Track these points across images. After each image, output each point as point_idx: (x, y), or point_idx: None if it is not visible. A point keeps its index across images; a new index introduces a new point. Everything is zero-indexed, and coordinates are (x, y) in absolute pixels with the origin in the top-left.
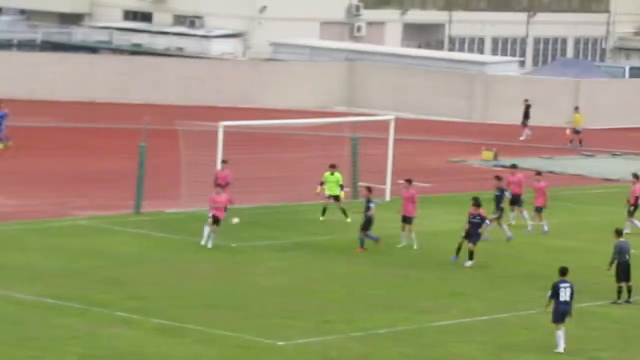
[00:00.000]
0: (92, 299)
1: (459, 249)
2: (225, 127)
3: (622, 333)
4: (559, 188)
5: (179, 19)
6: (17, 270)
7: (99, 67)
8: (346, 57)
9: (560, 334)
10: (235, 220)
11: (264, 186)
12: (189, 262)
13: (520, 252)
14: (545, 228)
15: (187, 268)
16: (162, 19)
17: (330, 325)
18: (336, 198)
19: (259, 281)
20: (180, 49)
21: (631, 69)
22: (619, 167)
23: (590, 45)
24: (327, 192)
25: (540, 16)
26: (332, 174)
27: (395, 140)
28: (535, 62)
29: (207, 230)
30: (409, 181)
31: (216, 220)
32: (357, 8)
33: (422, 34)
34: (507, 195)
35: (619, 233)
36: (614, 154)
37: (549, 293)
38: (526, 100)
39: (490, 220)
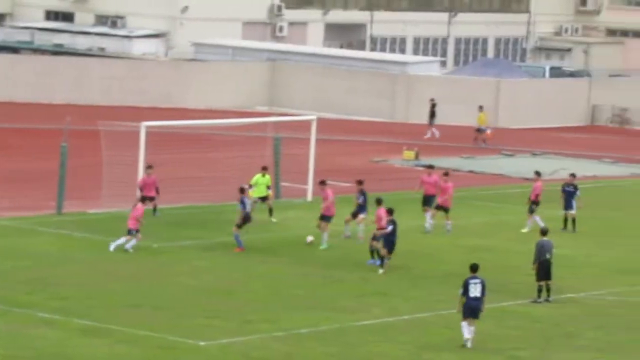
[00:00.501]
0: (14, 300)
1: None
2: (148, 127)
3: (541, 332)
4: (479, 188)
5: (101, 19)
6: None
7: (20, 67)
8: (268, 57)
9: (465, 324)
10: (310, 238)
11: (187, 186)
12: (112, 262)
13: (441, 252)
14: (449, 227)
15: (109, 268)
16: (83, 19)
17: (252, 325)
18: (263, 199)
19: (182, 281)
20: (102, 49)
21: (551, 68)
22: (538, 167)
23: (510, 45)
24: (256, 195)
25: (461, 16)
26: (263, 175)
27: (318, 140)
28: (456, 62)
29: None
30: (322, 182)
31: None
32: (279, 8)
33: (344, 34)
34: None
35: (543, 232)
36: (534, 154)
37: (460, 290)
38: (432, 100)
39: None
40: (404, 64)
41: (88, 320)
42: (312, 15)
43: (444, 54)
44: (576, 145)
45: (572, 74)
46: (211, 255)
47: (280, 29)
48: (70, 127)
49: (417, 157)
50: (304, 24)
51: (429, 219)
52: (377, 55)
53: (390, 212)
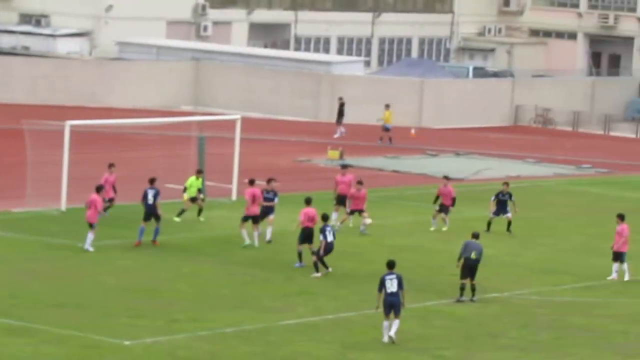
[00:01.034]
0: None
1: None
2: (72, 126)
3: (466, 331)
4: (403, 187)
5: (25, 18)
6: None
7: None
8: (193, 57)
9: (387, 324)
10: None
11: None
12: (36, 261)
13: (366, 252)
14: (362, 227)
15: (33, 268)
16: (7, 18)
17: (177, 324)
18: (193, 199)
19: (106, 280)
20: (26, 47)
21: (475, 69)
22: (462, 167)
23: (434, 46)
24: (187, 196)
25: (385, 16)
26: (197, 178)
27: (242, 140)
28: (380, 62)
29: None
30: (251, 182)
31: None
32: (203, 7)
33: (269, 34)
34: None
35: (474, 235)
36: (457, 154)
37: (378, 287)
38: (340, 99)
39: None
40: (328, 63)
41: (12, 320)
42: (236, 14)
43: (368, 54)
44: (500, 145)
45: (495, 74)
46: (134, 254)
47: (205, 28)
48: None
49: (341, 156)
50: (228, 23)
51: (334, 217)
52: (301, 55)
53: (325, 218)
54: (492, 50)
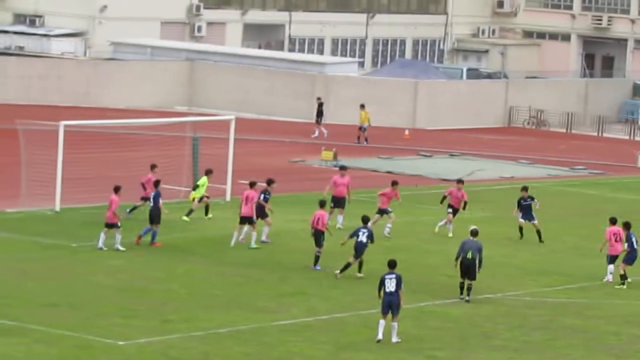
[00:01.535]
0: None
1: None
2: (66, 126)
3: (460, 332)
4: None
5: (19, 18)
6: None
7: None
8: (187, 57)
9: (382, 322)
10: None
11: (105, 185)
12: (30, 261)
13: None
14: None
15: (27, 268)
16: (1, 18)
17: (171, 324)
18: (200, 199)
19: (100, 280)
20: (20, 47)
21: (468, 70)
22: (456, 168)
23: (428, 47)
24: (198, 195)
25: (379, 17)
26: (208, 178)
27: (236, 140)
28: (374, 63)
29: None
30: (252, 184)
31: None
32: (198, 8)
33: (263, 35)
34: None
35: (472, 233)
36: (451, 155)
37: (378, 287)
38: (319, 99)
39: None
40: (322, 64)
41: (5, 320)
42: (230, 15)
43: (362, 54)
44: (493, 146)
45: (489, 76)
46: (128, 254)
47: (199, 28)
48: None
49: (335, 157)
50: (222, 24)
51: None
52: (295, 55)
53: (365, 220)
54: (486, 51)
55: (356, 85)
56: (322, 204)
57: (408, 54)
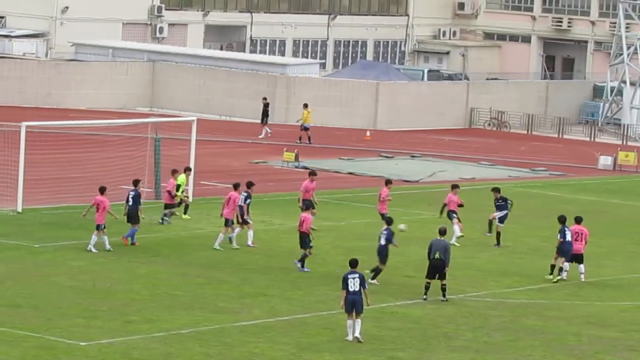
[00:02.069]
0: None
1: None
2: (28, 127)
3: (421, 332)
4: (359, 189)
5: None
6: None
7: None
8: (148, 58)
9: (351, 323)
10: (402, 226)
11: (66, 187)
12: None
13: (321, 253)
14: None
15: None
16: None
17: (132, 325)
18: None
19: (62, 281)
20: None
21: (429, 71)
22: (417, 169)
23: (390, 48)
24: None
25: (341, 19)
26: (186, 177)
27: (198, 141)
28: (336, 64)
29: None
30: (235, 186)
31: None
32: (159, 9)
33: (224, 36)
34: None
35: (440, 232)
36: (412, 156)
37: (341, 285)
38: (264, 99)
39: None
40: (283, 65)
41: None
42: (192, 16)
43: (323, 56)
44: (454, 147)
45: (449, 77)
46: (89, 255)
47: (161, 30)
48: None
49: (297, 158)
50: (184, 25)
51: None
52: (256, 57)
53: (389, 222)
54: (447, 53)
55: (317, 86)
56: (306, 207)
57: (369, 55)
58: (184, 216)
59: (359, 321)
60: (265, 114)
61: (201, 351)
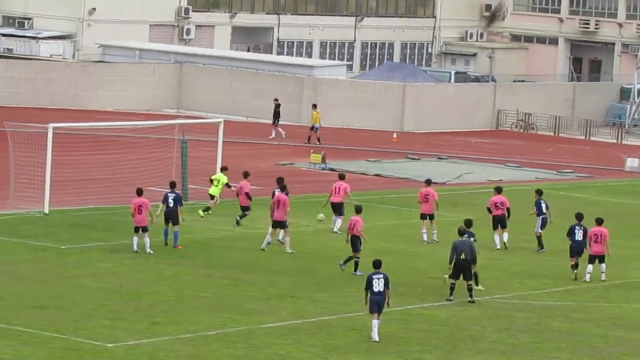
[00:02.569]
0: None
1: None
2: (55, 128)
3: (447, 334)
4: (385, 191)
5: (8, 20)
6: None
7: None
8: (175, 60)
9: (375, 322)
10: (321, 216)
11: (93, 188)
12: (18, 263)
13: (347, 255)
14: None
15: (15, 270)
16: None
17: (158, 326)
18: (212, 197)
19: (88, 283)
20: (9, 50)
21: (456, 73)
22: (444, 171)
23: (416, 50)
24: (217, 192)
25: (368, 21)
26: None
27: (224, 143)
28: (362, 66)
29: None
30: (283, 187)
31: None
32: (187, 11)
33: (251, 37)
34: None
35: (460, 232)
36: (439, 158)
37: (365, 286)
38: (276, 100)
39: None
40: (310, 67)
41: None
42: (219, 18)
43: (350, 58)
44: (481, 149)
45: (476, 79)
46: (116, 257)
47: (188, 31)
48: None
49: (323, 160)
50: (211, 26)
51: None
52: (284, 58)
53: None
54: (474, 54)
55: (344, 88)
56: (358, 210)
57: (396, 57)
58: (201, 214)
59: (377, 321)
60: (276, 114)
61: (228, 353)
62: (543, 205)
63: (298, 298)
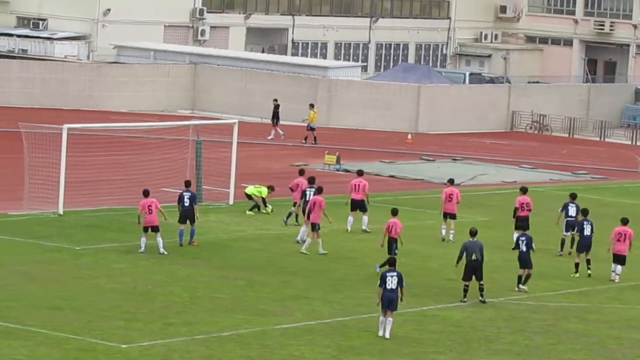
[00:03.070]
0: None
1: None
2: (69, 129)
3: (461, 336)
4: (400, 192)
5: (22, 21)
6: None
7: None
8: (190, 61)
9: (383, 319)
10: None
11: (107, 189)
12: (32, 264)
13: (362, 256)
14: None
15: (30, 271)
16: (5, 21)
17: (173, 327)
18: (250, 197)
19: (102, 284)
20: (24, 50)
21: (471, 74)
22: (459, 172)
23: (431, 51)
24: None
25: (382, 22)
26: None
27: (239, 144)
28: (377, 67)
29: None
30: (317, 188)
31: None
32: (201, 12)
33: (266, 38)
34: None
35: (471, 233)
36: (454, 159)
37: (378, 282)
38: (275, 100)
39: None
40: (325, 68)
41: (8, 323)
42: (233, 19)
43: (365, 59)
44: (496, 151)
45: (491, 80)
46: (130, 258)
47: (202, 32)
48: None
49: (338, 161)
50: (225, 27)
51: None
52: (298, 59)
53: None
54: (489, 56)
55: (359, 89)
56: (394, 212)
57: (411, 58)
58: (247, 212)
59: (390, 319)
60: (275, 115)
61: (242, 354)
62: (572, 208)
63: (312, 299)
